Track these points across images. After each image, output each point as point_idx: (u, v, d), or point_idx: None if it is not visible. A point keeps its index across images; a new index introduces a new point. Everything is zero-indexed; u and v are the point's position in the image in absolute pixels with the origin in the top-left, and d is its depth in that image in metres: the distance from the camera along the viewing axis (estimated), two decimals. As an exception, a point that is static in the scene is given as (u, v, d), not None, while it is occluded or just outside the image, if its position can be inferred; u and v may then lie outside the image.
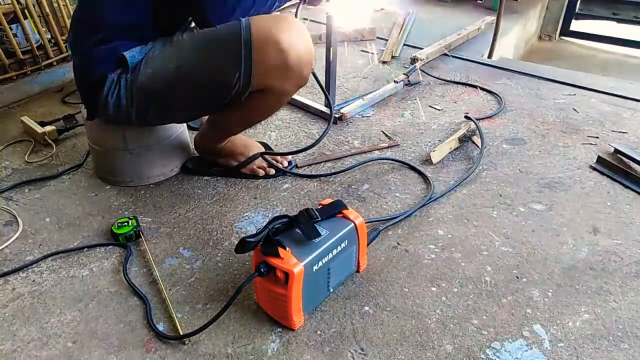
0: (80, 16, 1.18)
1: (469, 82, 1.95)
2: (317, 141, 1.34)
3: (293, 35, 1.08)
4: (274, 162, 1.40)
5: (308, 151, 1.41)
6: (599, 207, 1.26)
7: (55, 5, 1.98)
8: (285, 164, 1.42)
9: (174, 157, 1.40)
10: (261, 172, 1.38)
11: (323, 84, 1.47)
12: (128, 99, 1.15)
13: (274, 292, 0.90)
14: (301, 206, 1.27)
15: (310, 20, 2.57)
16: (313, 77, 1.31)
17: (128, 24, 1.12)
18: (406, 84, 1.92)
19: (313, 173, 1.41)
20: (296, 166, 1.44)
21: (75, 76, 1.22)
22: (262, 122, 1.66)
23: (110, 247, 1.15)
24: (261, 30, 1.07)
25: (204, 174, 1.40)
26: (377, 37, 2.43)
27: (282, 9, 1.34)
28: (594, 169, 1.41)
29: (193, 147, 1.44)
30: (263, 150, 1.42)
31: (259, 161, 1.39)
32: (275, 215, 0.96)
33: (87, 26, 1.16)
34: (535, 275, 1.06)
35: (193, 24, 1.24)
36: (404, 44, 2.34)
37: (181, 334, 0.92)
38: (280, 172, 1.39)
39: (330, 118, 1.40)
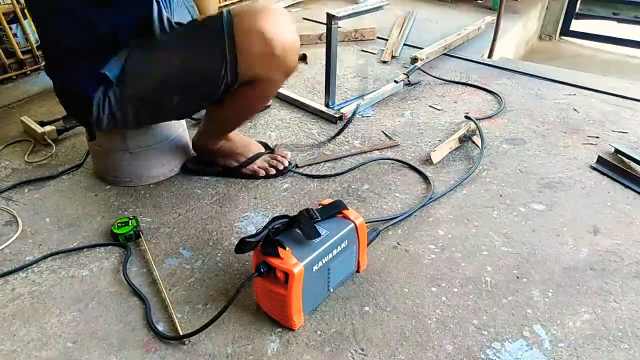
0: (44, 47, 1.18)
1: (469, 82, 1.95)
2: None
3: (275, 23, 1.07)
4: (274, 162, 1.40)
5: (308, 151, 1.41)
6: (599, 207, 1.26)
7: (55, 5, 1.98)
8: (286, 163, 1.41)
9: (173, 157, 1.40)
10: (262, 173, 1.38)
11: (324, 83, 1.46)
12: (120, 109, 1.13)
13: (274, 292, 0.90)
14: (301, 206, 1.27)
15: (310, 20, 2.57)
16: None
17: (91, 44, 1.08)
18: (406, 84, 1.92)
19: (313, 173, 1.41)
20: (296, 166, 1.44)
21: (61, 102, 1.20)
22: (262, 122, 1.66)
23: (110, 247, 1.15)
24: (243, 21, 1.07)
25: (204, 174, 1.40)
26: (377, 37, 2.43)
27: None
28: (594, 169, 1.41)
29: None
30: (263, 150, 1.41)
31: (260, 161, 1.39)
32: (275, 215, 0.96)
33: (54, 54, 1.15)
34: (535, 275, 1.06)
35: (167, 23, 1.13)
36: (404, 44, 2.34)
37: (181, 334, 0.92)
38: (280, 172, 1.39)
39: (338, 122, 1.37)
